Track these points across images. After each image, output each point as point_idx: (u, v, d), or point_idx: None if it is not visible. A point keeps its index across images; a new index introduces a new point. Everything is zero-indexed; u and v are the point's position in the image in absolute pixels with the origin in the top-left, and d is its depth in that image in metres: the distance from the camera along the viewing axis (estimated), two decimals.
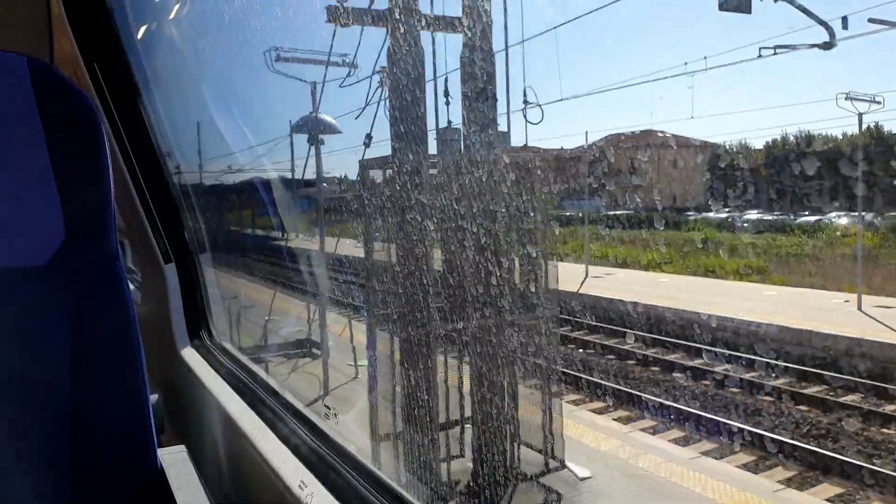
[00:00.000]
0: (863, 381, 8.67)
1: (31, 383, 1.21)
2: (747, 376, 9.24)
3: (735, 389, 9.12)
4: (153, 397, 1.36)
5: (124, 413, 1.29)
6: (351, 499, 1.32)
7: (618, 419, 8.70)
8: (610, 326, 12.31)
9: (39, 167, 1.20)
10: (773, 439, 7.72)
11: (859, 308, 9.40)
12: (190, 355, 2.39)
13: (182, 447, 1.47)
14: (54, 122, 1.20)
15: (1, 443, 1.18)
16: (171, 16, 3.28)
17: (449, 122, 5.43)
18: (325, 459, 1.48)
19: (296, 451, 1.54)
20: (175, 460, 1.39)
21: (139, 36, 2.56)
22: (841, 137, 9.76)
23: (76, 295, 1.24)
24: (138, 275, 2.89)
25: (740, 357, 9.26)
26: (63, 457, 1.22)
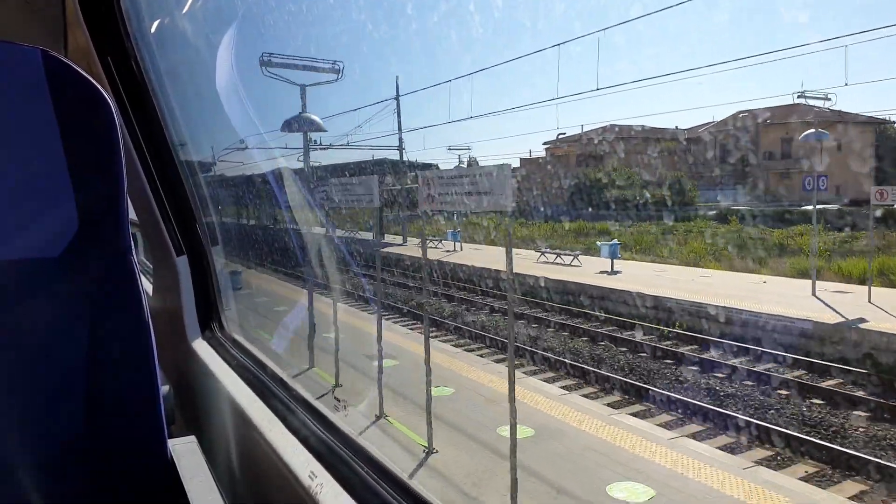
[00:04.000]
0: None
1: (43, 373, 1.22)
2: None
3: None
4: (164, 388, 1.37)
5: (135, 403, 1.30)
6: (360, 490, 1.32)
7: None
8: None
9: (53, 159, 1.21)
10: None
11: None
12: (201, 347, 2.41)
13: (192, 438, 1.48)
14: (68, 115, 1.21)
15: (14, 430, 1.19)
16: (185, 10, 3.29)
17: None
18: (334, 451, 1.49)
19: (305, 442, 1.55)
20: (185, 451, 1.40)
21: (153, 30, 2.57)
22: None
23: (89, 286, 1.26)
24: (150, 267, 2.91)
25: None
26: (74, 446, 1.23)
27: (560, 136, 40.22)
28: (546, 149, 42.80)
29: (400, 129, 31.31)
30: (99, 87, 1.24)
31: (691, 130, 36.30)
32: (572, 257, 20.78)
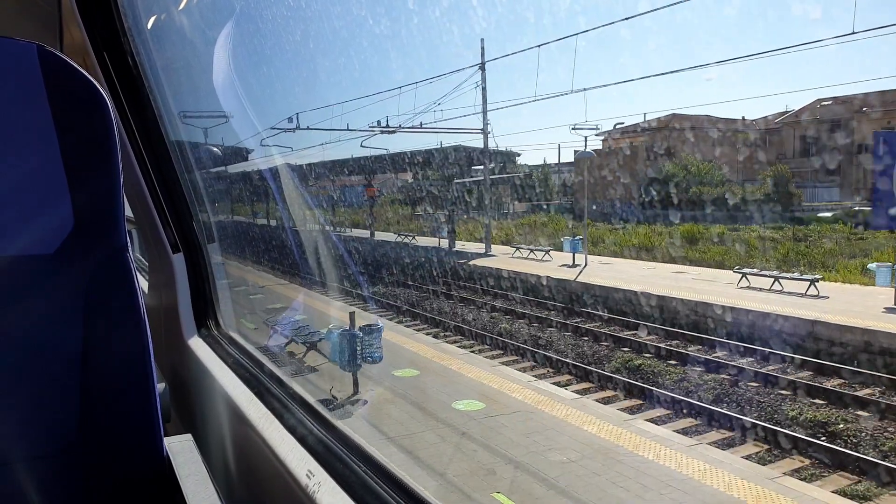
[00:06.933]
0: None
1: (39, 370, 1.21)
2: None
3: None
4: (160, 386, 1.36)
5: (131, 401, 1.29)
6: (358, 489, 1.32)
7: None
8: None
9: (49, 155, 1.20)
10: None
11: None
12: (197, 345, 2.40)
13: (188, 436, 1.47)
14: (64, 111, 1.20)
15: (9, 427, 1.19)
16: (182, 5, 3.28)
17: None
18: (332, 450, 1.49)
19: (302, 440, 1.55)
20: (181, 449, 1.39)
21: (149, 26, 2.55)
22: None
23: (84, 283, 1.25)
24: (146, 264, 2.90)
25: None
26: (70, 443, 1.23)
27: (617, 126, 35.46)
28: (603, 140, 37.46)
29: (485, 106, 24.28)
30: (95, 82, 1.23)
31: (760, 122, 32.63)
32: (809, 283, 14.56)
